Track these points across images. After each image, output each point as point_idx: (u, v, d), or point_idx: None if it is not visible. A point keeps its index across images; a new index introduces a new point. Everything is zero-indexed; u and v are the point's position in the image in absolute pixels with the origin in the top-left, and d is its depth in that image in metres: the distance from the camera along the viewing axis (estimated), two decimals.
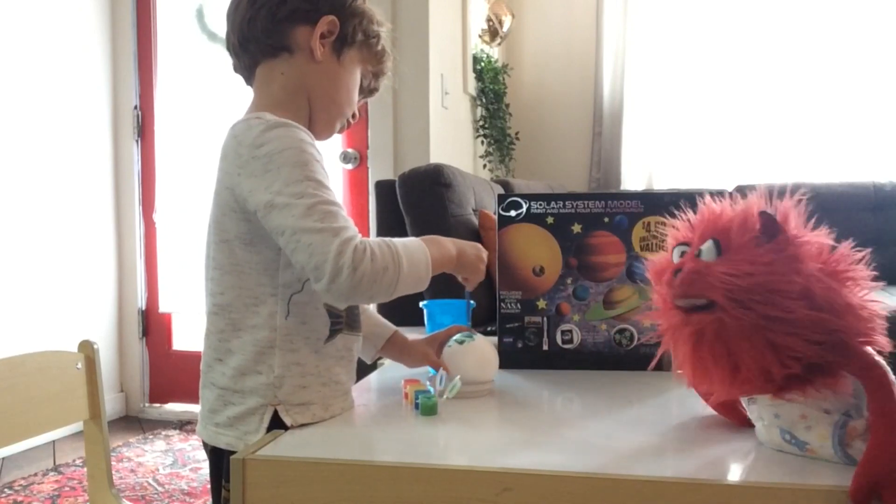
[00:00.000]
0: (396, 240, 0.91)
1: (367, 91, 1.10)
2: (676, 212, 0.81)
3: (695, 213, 0.79)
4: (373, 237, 0.89)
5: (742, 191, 0.80)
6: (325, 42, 1.00)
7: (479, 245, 1.04)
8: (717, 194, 0.81)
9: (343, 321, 0.97)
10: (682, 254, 0.76)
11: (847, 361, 0.69)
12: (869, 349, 0.70)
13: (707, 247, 0.73)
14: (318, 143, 1.06)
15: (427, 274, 0.92)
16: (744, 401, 0.81)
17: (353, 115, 1.08)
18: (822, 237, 0.72)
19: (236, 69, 1.05)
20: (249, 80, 1.04)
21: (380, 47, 1.06)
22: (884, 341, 0.71)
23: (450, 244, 1.00)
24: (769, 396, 0.74)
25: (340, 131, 1.09)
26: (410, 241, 0.93)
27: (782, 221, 0.72)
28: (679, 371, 0.78)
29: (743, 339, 0.69)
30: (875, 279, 0.72)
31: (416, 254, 0.91)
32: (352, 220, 0.90)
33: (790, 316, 0.67)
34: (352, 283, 0.83)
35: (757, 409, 0.78)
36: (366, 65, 1.06)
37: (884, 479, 0.63)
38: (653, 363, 0.94)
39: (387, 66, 1.09)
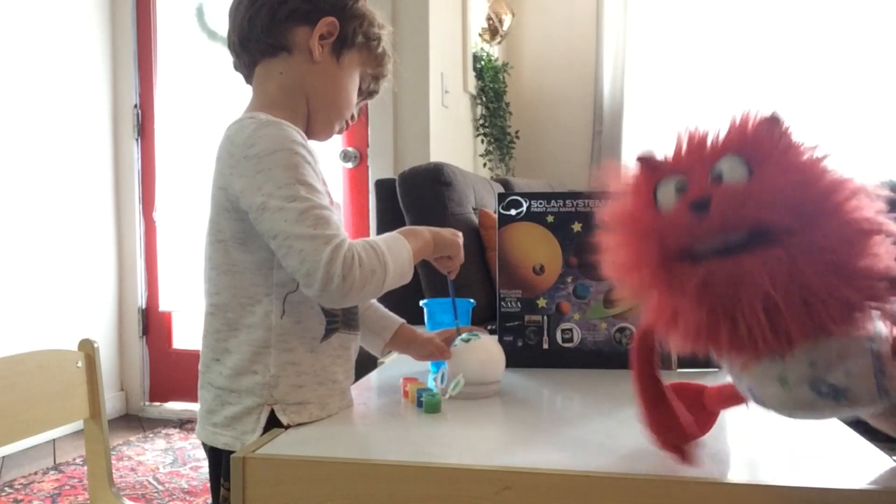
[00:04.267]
0: (379, 239, 0.93)
1: (367, 93, 1.10)
2: None
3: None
4: (373, 235, 0.90)
5: None
6: (324, 43, 1.00)
7: (454, 230, 1.07)
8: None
9: (339, 320, 0.97)
10: (679, 189, 0.62)
11: None
12: None
13: (730, 165, 0.59)
14: (318, 143, 1.07)
15: (410, 267, 0.95)
16: (734, 376, 0.69)
17: (352, 117, 1.08)
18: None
19: (236, 67, 1.05)
20: (249, 78, 1.04)
21: (380, 50, 1.06)
22: None
23: (425, 231, 1.02)
24: (809, 342, 0.60)
25: (340, 132, 1.08)
26: (391, 237, 0.95)
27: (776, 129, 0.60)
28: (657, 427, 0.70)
29: (824, 271, 0.56)
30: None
31: (399, 250, 0.93)
32: (341, 222, 0.91)
33: (875, 225, 0.56)
34: (343, 291, 0.85)
35: (778, 368, 0.63)
36: (365, 67, 1.06)
37: None
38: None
39: (387, 69, 1.09)
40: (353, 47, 1.03)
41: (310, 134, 1.04)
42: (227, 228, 0.93)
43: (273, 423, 0.91)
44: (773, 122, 0.60)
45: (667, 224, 0.60)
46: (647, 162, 0.65)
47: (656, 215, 0.62)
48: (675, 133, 0.64)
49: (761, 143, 0.59)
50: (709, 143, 0.62)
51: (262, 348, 0.92)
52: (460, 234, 1.07)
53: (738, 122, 0.62)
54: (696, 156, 0.61)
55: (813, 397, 0.63)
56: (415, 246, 0.97)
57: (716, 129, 0.62)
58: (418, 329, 1.16)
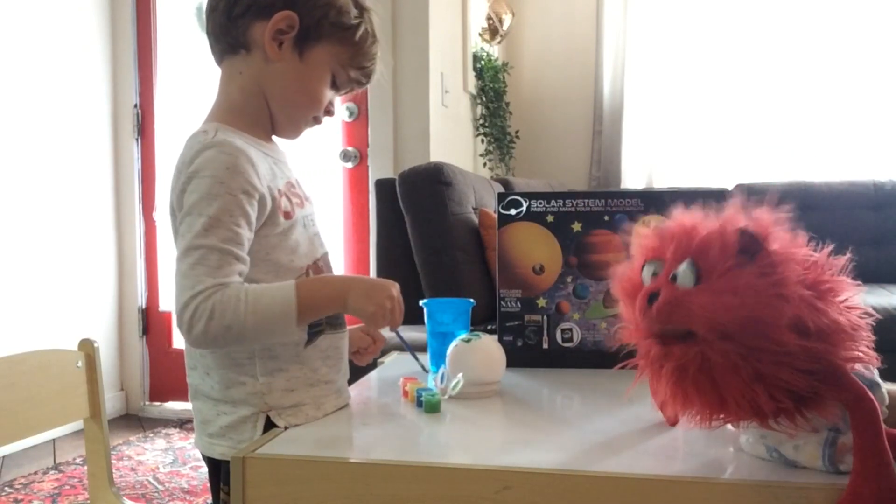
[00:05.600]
0: (263, 289, 0.85)
1: (354, 81, 1.00)
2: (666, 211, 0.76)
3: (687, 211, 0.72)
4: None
5: (722, 196, 0.74)
6: (284, 38, 0.93)
7: (386, 289, 0.91)
8: (715, 195, 0.78)
9: (323, 321, 0.95)
10: (655, 273, 0.69)
11: (836, 391, 0.65)
12: (855, 374, 0.66)
13: (683, 270, 0.66)
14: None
15: (288, 324, 0.86)
16: None
17: (328, 112, 1.01)
18: (802, 247, 0.66)
19: None
20: None
21: (358, 37, 0.96)
22: (870, 355, 0.66)
23: (338, 285, 0.92)
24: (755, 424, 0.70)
25: (313, 125, 1.02)
26: (277, 289, 0.86)
27: (763, 237, 0.65)
28: (657, 401, 0.76)
29: (729, 372, 0.64)
30: (855, 280, 0.66)
31: (273, 306, 0.84)
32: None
33: (779, 348, 0.62)
34: (194, 339, 0.84)
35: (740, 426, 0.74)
36: (339, 58, 0.96)
37: None
38: (632, 386, 0.81)
39: (369, 57, 0.98)
40: (319, 40, 0.94)
41: (276, 133, 1.01)
42: None
43: (269, 429, 0.90)
44: (725, 236, 0.65)
45: (637, 301, 0.70)
46: (645, 239, 0.72)
47: (636, 288, 0.71)
48: (675, 215, 0.71)
49: (712, 257, 0.65)
50: (687, 237, 0.68)
51: (245, 360, 0.91)
52: (392, 293, 0.91)
53: (707, 230, 0.67)
54: (671, 250, 0.68)
55: (769, 458, 0.73)
56: (307, 299, 0.86)
57: (701, 221, 0.68)
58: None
